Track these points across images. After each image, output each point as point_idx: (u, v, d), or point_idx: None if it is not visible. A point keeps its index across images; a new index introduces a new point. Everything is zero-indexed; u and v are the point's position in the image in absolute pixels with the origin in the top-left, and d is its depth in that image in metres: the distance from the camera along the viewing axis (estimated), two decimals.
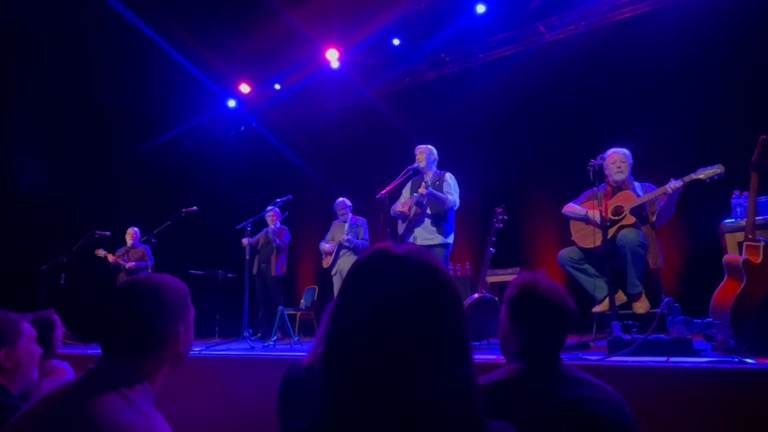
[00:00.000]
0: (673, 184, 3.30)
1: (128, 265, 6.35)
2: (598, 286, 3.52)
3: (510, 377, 1.30)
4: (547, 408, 1.20)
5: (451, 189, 4.42)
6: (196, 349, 4.04)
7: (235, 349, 4.22)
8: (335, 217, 5.96)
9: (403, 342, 0.75)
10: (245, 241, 5.46)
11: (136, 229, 6.68)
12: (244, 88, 8.24)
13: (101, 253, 6.49)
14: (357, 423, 0.74)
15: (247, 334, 4.74)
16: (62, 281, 6.27)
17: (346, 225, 5.74)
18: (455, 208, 4.43)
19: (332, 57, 7.26)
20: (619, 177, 3.65)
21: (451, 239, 4.43)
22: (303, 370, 1.71)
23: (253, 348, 4.29)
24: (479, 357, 2.86)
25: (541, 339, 1.34)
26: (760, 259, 2.52)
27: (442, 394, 0.76)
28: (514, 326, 1.37)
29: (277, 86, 8.21)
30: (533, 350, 1.34)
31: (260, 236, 6.22)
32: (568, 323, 1.36)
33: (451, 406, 0.76)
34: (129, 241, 6.63)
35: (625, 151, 3.74)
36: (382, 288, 0.79)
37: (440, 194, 4.30)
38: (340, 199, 5.92)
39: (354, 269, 0.85)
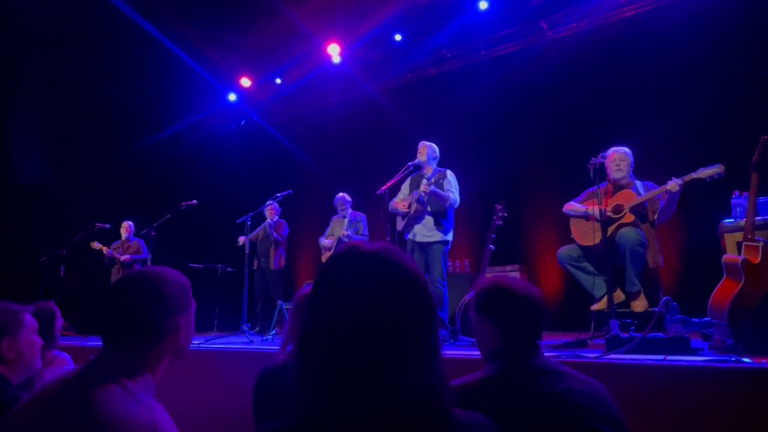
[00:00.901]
0: (673, 183, 3.30)
1: (122, 258, 6.38)
2: (596, 284, 3.53)
3: (492, 375, 1.32)
4: (530, 403, 1.22)
5: (452, 187, 4.43)
6: (195, 342, 4.04)
7: (233, 342, 4.24)
8: (335, 212, 5.96)
9: (370, 339, 0.76)
10: (242, 239, 5.48)
11: (130, 222, 6.70)
12: (245, 82, 8.22)
13: (96, 245, 6.52)
14: (328, 420, 0.75)
15: (246, 328, 4.75)
16: (62, 273, 6.28)
17: (346, 220, 5.75)
18: (456, 206, 4.44)
19: (333, 52, 7.25)
20: (618, 175, 3.65)
21: (450, 236, 4.43)
22: (278, 368, 1.71)
23: (251, 342, 4.30)
24: (478, 354, 2.86)
25: (522, 334, 1.37)
26: (758, 260, 2.53)
27: (411, 390, 0.76)
28: (496, 325, 1.39)
29: (278, 81, 8.19)
30: (516, 346, 1.36)
31: (259, 231, 6.23)
32: (543, 315, 1.40)
33: (421, 402, 0.77)
34: (124, 235, 6.67)
35: (626, 149, 3.74)
36: (351, 285, 0.80)
37: (442, 192, 4.30)
38: (340, 194, 5.93)
39: (325, 267, 0.86)
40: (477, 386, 1.30)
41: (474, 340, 3.70)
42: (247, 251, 5.32)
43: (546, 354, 1.44)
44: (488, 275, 1.54)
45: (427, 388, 0.78)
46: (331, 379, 0.76)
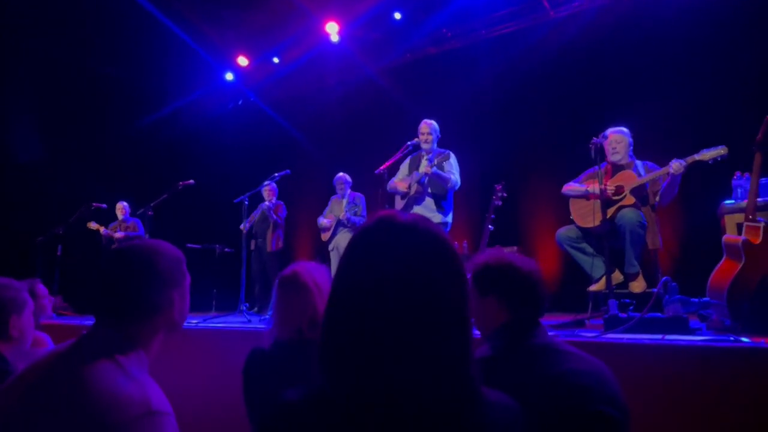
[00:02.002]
0: (677, 165, 3.26)
1: (117, 235, 6.37)
2: (595, 264, 3.52)
3: (492, 355, 1.30)
4: (532, 383, 1.19)
5: (453, 169, 4.40)
6: (193, 321, 4.04)
7: (231, 322, 4.24)
8: (334, 192, 5.93)
9: (404, 310, 0.74)
10: (245, 225, 5.46)
11: (125, 203, 6.68)
12: (242, 61, 8.09)
13: (93, 225, 6.50)
14: (355, 392, 0.73)
15: (244, 308, 4.75)
16: (58, 253, 6.26)
17: (345, 200, 5.72)
18: (456, 188, 4.41)
19: (332, 30, 7.13)
20: (615, 158, 3.62)
21: (450, 218, 4.42)
22: (267, 350, 1.69)
23: (249, 321, 4.31)
24: (477, 333, 2.87)
25: (526, 310, 1.34)
26: (759, 240, 2.52)
27: (441, 367, 0.74)
28: (502, 301, 1.36)
29: (276, 60, 8.07)
30: (520, 323, 1.33)
31: (257, 212, 6.20)
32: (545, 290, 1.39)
33: (450, 380, 0.75)
34: (119, 216, 6.66)
35: (624, 129, 3.69)
36: (386, 256, 0.77)
37: (443, 174, 4.27)
38: (340, 174, 5.89)
39: (357, 236, 0.83)
40: (477, 366, 1.27)
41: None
42: (244, 231, 5.30)
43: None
44: (476, 257, 1.50)
45: (458, 365, 0.76)
46: (360, 353, 0.74)
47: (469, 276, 1.46)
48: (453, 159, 4.44)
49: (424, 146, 4.46)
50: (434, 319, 0.75)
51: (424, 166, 4.31)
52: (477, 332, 1.48)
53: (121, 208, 6.66)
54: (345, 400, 0.74)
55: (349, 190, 5.84)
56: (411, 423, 0.72)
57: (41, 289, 2.38)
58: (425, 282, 0.76)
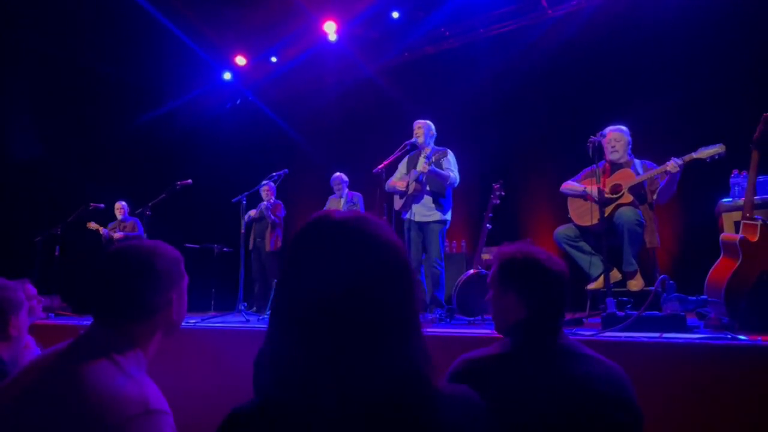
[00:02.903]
0: (673, 164, 3.26)
1: (116, 235, 6.37)
2: (593, 263, 3.52)
3: (508, 351, 1.27)
4: (548, 384, 1.17)
5: (452, 166, 4.40)
6: (191, 321, 4.04)
7: (230, 321, 4.24)
8: (332, 191, 5.93)
9: (344, 312, 0.72)
10: (249, 214, 5.44)
11: (123, 203, 6.68)
12: (240, 61, 8.08)
13: (93, 226, 6.50)
14: (303, 396, 0.72)
15: (243, 308, 4.75)
16: (57, 253, 6.25)
17: (342, 200, 5.71)
18: (455, 186, 4.41)
19: (330, 29, 7.12)
20: (614, 156, 3.62)
21: (449, 216, 4.42)
22: None
23: (248, 321, 4.30)
24: (473, 332, 2.87)
25: (548, 309, 1.31)
26: (756, 238, 2.52)
27: (388, 364, 0.73)
28: (522, 298, 1.32)
29: (274, 59, 8.06)
30: (540, 322, 1.31)
31: (255, 212, 6.20)
32: (569, 291, 1.35)
33: (399, 375, 0.73)
34: (118, 216, 6.65)
35: (623, 128, 3.69)
36: (319, 256, 0.76)
37: (441, 171, 4.27)
38: (337, 173, 5.88)
39: (295, 237, 0.81)
40: (492, 361, 1.24)
41: (471, 318, 3.72)
42: (242, 230, 5.28)
43: None
44: (506, 247, 1.45)
45: (406, 360, 0.74)
46: (305, 354, 0.72)
47: (495, 264, 1.42)
48: (451, 156, 4.44)
49: (419, 140, 4.47)
50: (373, 316, 0.73)
51: (421, 165, 4.32)
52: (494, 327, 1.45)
53: (120, 207, 6.66)
54: (294, 404, 0.72)
55: (346, 190, 5.84)
56: (361, 420, 0.70)
57: (30, 289, 2.37)
58: (360, 280, 0.74)
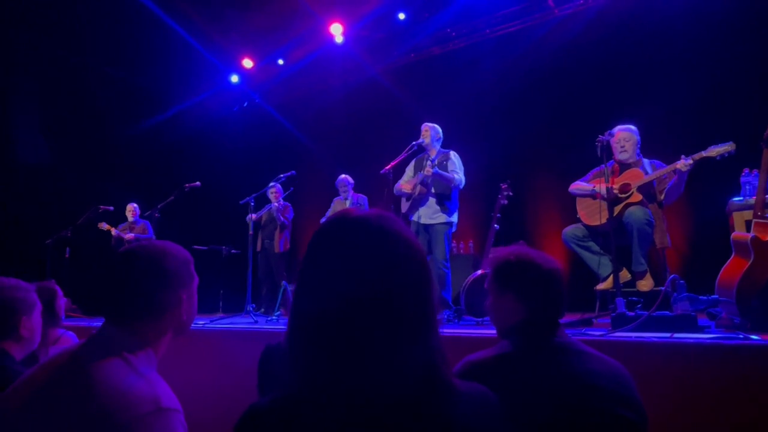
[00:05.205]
0: (683, 163, 3.24)
1: (127, 236, 6.41)
2: (602, 263, 3.49)
3: (509, 352, 1.28)
4: (549, 383, 1.18)
5: (457, 168, 4.38)
6: (200, 322, 4.06)
7: (238, 322, 4.25)
8: (337, 193, 5.94)
9: (364, 309, 0.73)
10: (251, 216, 5.45)
11: (135, 205, 6.71)
12: (247, 63, 8.13)
13: (104, 226, 6.55)
14: (323, 392, 0.72)
15: (251, 309, 4.77)
16: (67, 255, 6.31)
17: (348, 202, 5.72)
18: (461, 187, 4.40)
19: (336, 31, 7.14)
20: (623, 156, 3.59)
21: (455, 218, 4.40)
22: (281, 346, 1.69)
23: (256, 322, 4.32)
24: (482, 332, 2.86)
25: (546, 309, 1.33)
26: None
27: (407, 360, 0.73)
28: (520, 299, 1.34)
29: (281, 62, 8.10)
30: (538, 322, 1.32)
31: (264, 213, 6.21)
32: (566, 290, 1.36)
33: (418, 372, 0.74)
34: (130, 217, 6.68)
35: (631, 127, 3.66)
36: (339, 253, 0.77)
37: (446, 174, 4.26)
38: (343, 176, 5.89)
39: (315, 236, 0.82)
40: (493, 362, 1.25)
41: (479, 319, 3.71)
42: (250, 232, 5.30)
43: None
44: (498, 252, 1.47)
45: (424, 357, 0.75)
46: (325, 352, 0.73)
47: (490, 270, 1.44)
48: (455, 157, 4.43)
49: (425, 141, 4.46)
50: (394, 314, 0.74)
51: (426, 168, 4.31)
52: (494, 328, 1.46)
53: (132, 209, 6.68)
54: (314, 401, 0.72)
55: (351, 192, 5.84)
56: (381, 417, 0.71)
57: (57, 289, 2.42)
58: (381, 277, 0.74)
